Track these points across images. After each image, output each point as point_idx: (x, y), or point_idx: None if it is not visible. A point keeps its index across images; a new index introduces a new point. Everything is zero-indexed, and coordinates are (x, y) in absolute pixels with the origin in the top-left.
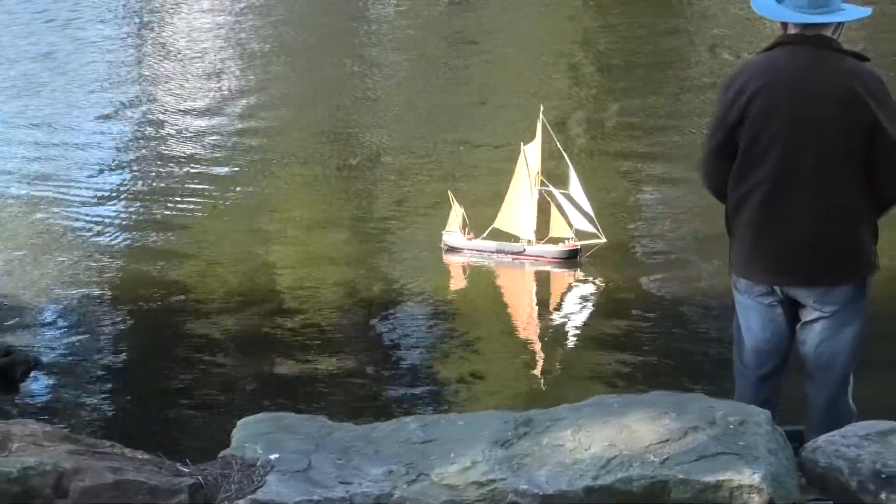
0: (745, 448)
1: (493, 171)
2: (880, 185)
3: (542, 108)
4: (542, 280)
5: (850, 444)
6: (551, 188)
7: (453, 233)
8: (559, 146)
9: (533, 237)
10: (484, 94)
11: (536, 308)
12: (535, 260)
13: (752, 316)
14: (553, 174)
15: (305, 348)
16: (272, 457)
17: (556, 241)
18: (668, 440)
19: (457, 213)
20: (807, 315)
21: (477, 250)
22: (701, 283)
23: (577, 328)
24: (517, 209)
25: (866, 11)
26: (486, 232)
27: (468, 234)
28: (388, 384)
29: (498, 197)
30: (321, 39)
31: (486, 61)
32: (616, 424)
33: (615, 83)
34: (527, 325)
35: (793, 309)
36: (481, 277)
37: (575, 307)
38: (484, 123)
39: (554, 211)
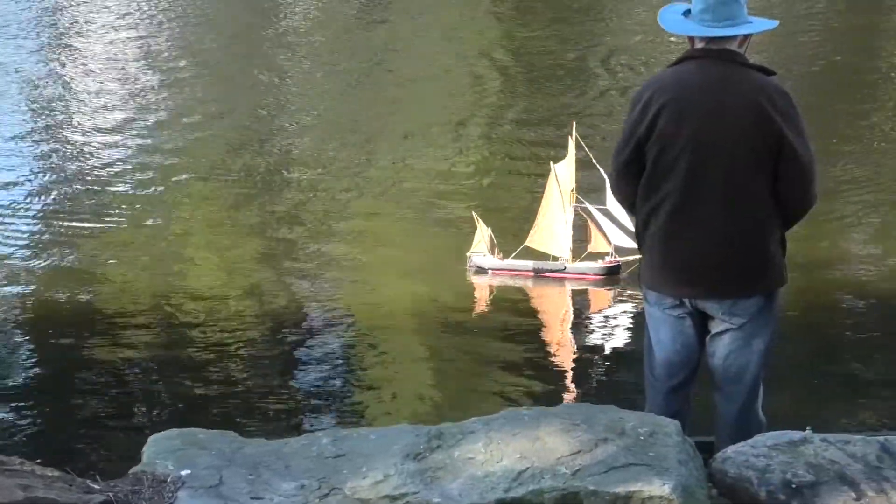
0: (655, 459)
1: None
2: (787, 199)
3: (574, 124)
4: (464, 295)
5: (759, 455)
6: (587, 204)
7: (481, 253)
8: (593, 160)
9: (570, 255)
10: (397, 109)
11: (450, 323)
12: (578, 278)
13: (662, 328)
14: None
15: (216, 365)
16: (183, 473)
17: (595, 257)
18: (579, 452)
19: (483, 233)
20: (716, 327)
21: (512, 270)
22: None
23: (491, 341)
24: (552, 227)
25: (773, 24)
26: (517, 251)
27: (498, 254)
28: (299, 400)
29: (417, 208)
30: (234, 53)
31: (398, 75)
32: (527, 437)
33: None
34: (439, 339)
35: (702, 321)
36: (402, 294)
37: (491, 321)
38: (398, 138)
39: (591, 227)
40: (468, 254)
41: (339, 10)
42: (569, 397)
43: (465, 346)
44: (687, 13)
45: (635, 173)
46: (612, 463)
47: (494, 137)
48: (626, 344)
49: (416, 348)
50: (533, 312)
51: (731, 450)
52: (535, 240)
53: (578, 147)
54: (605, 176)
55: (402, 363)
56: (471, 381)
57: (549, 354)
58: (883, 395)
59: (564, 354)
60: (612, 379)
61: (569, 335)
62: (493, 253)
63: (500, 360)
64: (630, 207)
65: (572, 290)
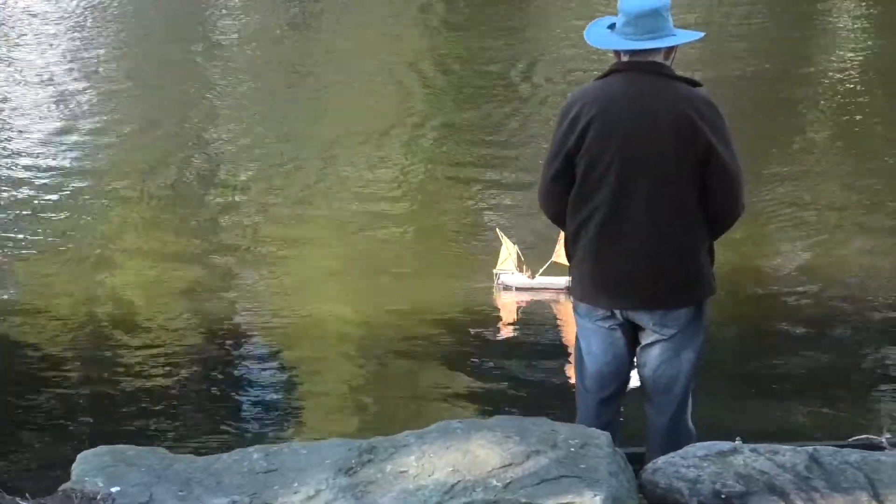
0: (586, 471)
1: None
2: (715, 209)
3: None
4: (396, 307)
5: (689, 465)
6: None
7: (508, 271)
8: None
9: None
10: (326, 121)
11: (383, 337)
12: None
13: (593, 340)
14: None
15: (145, 381)
16: (113, 490)
17: None
18: (510, 464)
19: (510, 250)
20: (646, 338)
21: (543, 288)
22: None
23: (425, 354)
24: None
25: (697, 35)
26: (544, 267)
27: (526, 271)
28: (230, 415)
29: (350, 218)
30: (164, 63)
31: (327, 86)
32: (460, 450)
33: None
34: (372, 353)
35: (633, 332)
36: (335, 307)
37: (425, 333)
38: (325, 149)
39: None
40: (495, 271)
41: (269, 21)
42: (501, 409)
43: (399, 360)
44: (612, 27)
45: (564, 186)
46: (544, 475)
47: (424, 148)
48: (560, 356)
49: (349, 362)
50: (469, 324)
51: (661, 460)
52: (562, 254)
53: None
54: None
55: (335, 377)
56: (404, 395)
57: (483, 366)
58: (812, 406)
59: (498, 367)
60: (544, 391)
61: (502, 347)
62: (521, 270)
63: (434, 372)
64: (558, 220)
65: (515, 301)
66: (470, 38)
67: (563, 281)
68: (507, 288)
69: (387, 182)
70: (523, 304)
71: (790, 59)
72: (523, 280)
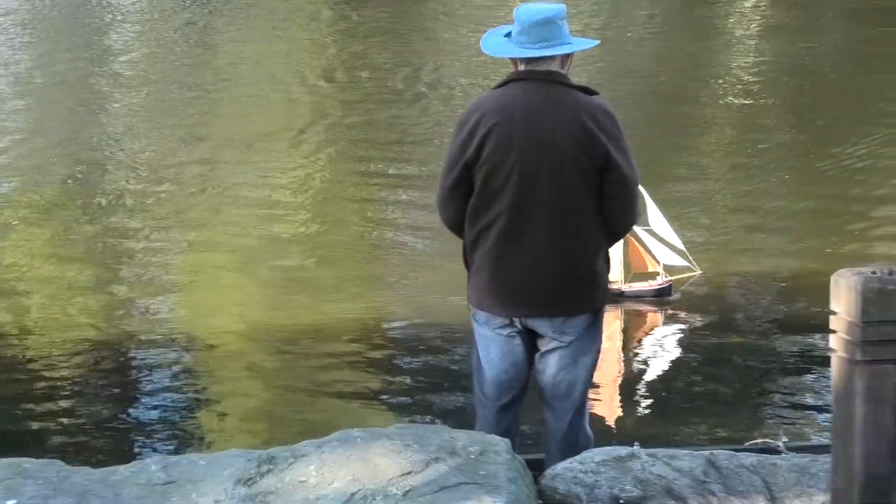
0: (485, 477)
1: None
2: (612, 217)
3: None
4: (300, 318)
5: (587, 471)
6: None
7: None
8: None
9: (622, 277)
10: (217, 129)
11: (284, 347)
12: (637, 298)
13: (492, 347)
14: None
15: (41, 392)
16: (9, 502)
17: (645, 278)
18: (410, 472)
19: None
20: (545, 345)
21: None
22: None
23: (325, 364)
24: None
25: (593, 43)
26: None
27: None
28: (128, 427)
29: (241, 232)
30: (61, 79)
31: (218, 95)
32: (359, 458)
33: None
34: (273, 363)
35: (531, 339)
36: (236, 317)
37: (326, 344)
38: (216, 157)
39: (638, 248)
40: None
41: (161, 29)
42: (401, 418)
43: (298, 371)
44: (510, 35)
45: (463, 195)
46: (444, 483)
47: (317, 154)
48: (459, 364)
49: (249, 374)
50: (369, 335)
51: (560, 466)
52: None
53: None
54: (644, 193)
55: (235, 390)
56: (304, 405)
57: (383, 376)
58: (710, 411)
59: (399, 376)
60: (444, 399)
61: (402, 356)
62: None
63: (335, 383)
64: (456, 229)
65: (414, 311)
66: (359, 45)
67: None
68: None
69: (282, 191)
70: (424, 314)
71: (687, 66)
72: None
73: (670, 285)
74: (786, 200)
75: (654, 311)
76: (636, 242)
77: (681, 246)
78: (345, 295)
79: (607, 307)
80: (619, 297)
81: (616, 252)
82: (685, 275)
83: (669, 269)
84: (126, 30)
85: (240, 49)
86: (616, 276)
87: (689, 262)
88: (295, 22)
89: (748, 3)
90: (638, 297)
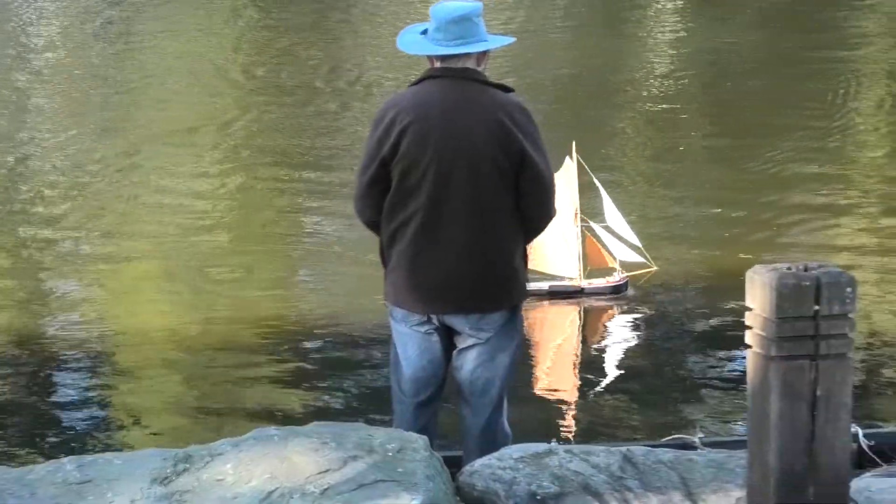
0: (403, 475)
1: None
2: (529, 213)
3: (574, 144)
4: (218, 314)
5: (505, 467)
6: (591, 223)
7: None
8: (594, 179)
9: (581, 274)
10: (137, 126)
11: (202, 344)
12: (597, 295)
13: (409, 344)
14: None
15: None
16: None
17: (602, 274)
18: (328, 470)
19: None
20: (462, 342)
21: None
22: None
23: (242, 361)
24: (556, 247)
25: (509, 40)
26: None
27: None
28: (43, 425)
29: (162, 229)
30: None
31: (139, 91)
32: (276, 456)
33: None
34: (190, 361)
35: (449, 336)
36: (154, 315)
37: (242, 339)
38: (136, 153)
39: (595, 244)
40: None
41: (78, 27)
42: (319, 416)
43: (217, 369)
44: (426, 33)
45: (379, 193)
46: (361, 480)
47: (237, 152)
48: (378, 361)
49: (167, 372)
50: (287, 332)
51: (478, 463)
52: (537, 262)
53: (579, 166)
54: (602, 190)
55: (152, 388)
56: (221, 404)
57: (301, 373)
58: (627, 407)
59: (316, 373)
60: (362, 396)
61: (320, 354)
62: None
63: (253, 381)
64: (373, 226)
65: (332, 307)
66: (281, 42)
67: (545, 285)
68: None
69: (201, 190)
70: (342, 312)
71: (604, 63)
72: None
73: (626, 282)
74: (700, 204)
75: (590, 309)
76: (594, 239)
77: (637, 242)
78: (262, 293)
79: (559, 303)
80: (577, 294)
81: (574, 249)
82: (641, 271)
83: (625, 266)
84: (49, 28)
85: (162, 46)
86: (574, 273)
87: (646, 258)
88: (218, 19)
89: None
90: (596, 294)
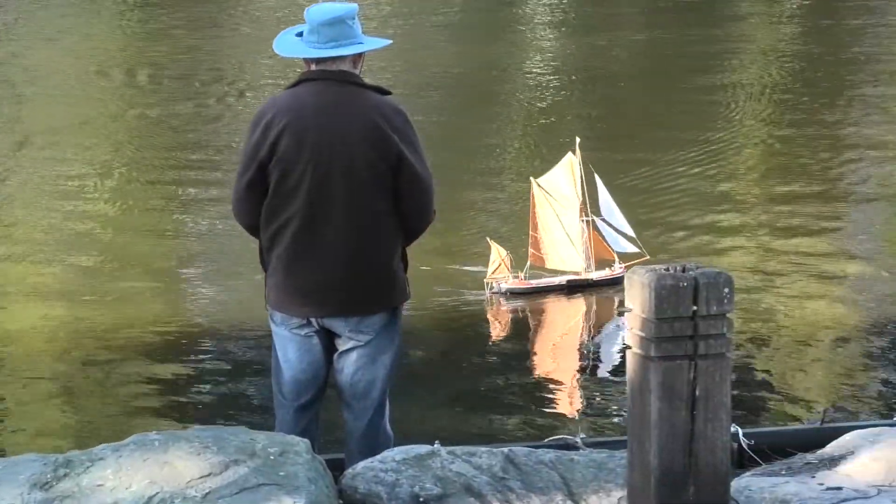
0: (285, 478)
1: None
2: (408, 216)
3: (577, 140)
4: (99, 316)
5: (388, 470)
6: (592, 217)
7: (502, 277)
8: (594, 173)
9: (591, 265)
10: (19, 126)
11: (79, 349)
12: (608, 285)
13: (290, 347)
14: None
15: None
16: None
17: (602, 266)
18: (209, 474)
19: (501, 256)
20: (343, 344)
21: (545, 288)
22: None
23: (122, 365)
24: (564, 242)
25: (385, 42)
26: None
27: (518, 275)
28: None
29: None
30: None
31: (20, 93)
32: (157, 461)
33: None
34: (69, 366)
35: (329, 339)
36: (34, 319)
37: (120, 346)
38: (18, 154)
39: (594, 237)
40: (486, 280)
41: None
42: (200, 420)
43: (97, 373)
44: (302, 35)
45: (258, 195)
46: (243, 484)
47: (120, 153)
48: (258, 365)
49: (47, 378)
50: (168, 337)
51: (360, 466)
52: (549, 259)
53: (568, 162)
54: (599, 182)
55: (30, 393)
56: (102, 408)
57: (181, 378)
58: (511, 409)
59: (198, 378)
60: (243, 400)
61: (200, 358)
62: (514, 275)
63: (134, 386)
64: (252, 229)
65: (210, 312)
66: (165, 43)
67: (563, 279)
68: (507, 294)
69: (85, 188)
70: (223, 316)
71: (483, 64)
72: (523, 284)
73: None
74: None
75: (451, 310)
76: (597, 234)
77: (631, 233)
78: (143, 297)
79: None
80: (589, 286)
81: (579, 244)
82: (637, 261)
83: (622, 257)
84: None
85: (47, 47)
86: (578, 267)
87: (639, 247)
88: (103, 21)
89: (546, 3)
90: (601, 285)
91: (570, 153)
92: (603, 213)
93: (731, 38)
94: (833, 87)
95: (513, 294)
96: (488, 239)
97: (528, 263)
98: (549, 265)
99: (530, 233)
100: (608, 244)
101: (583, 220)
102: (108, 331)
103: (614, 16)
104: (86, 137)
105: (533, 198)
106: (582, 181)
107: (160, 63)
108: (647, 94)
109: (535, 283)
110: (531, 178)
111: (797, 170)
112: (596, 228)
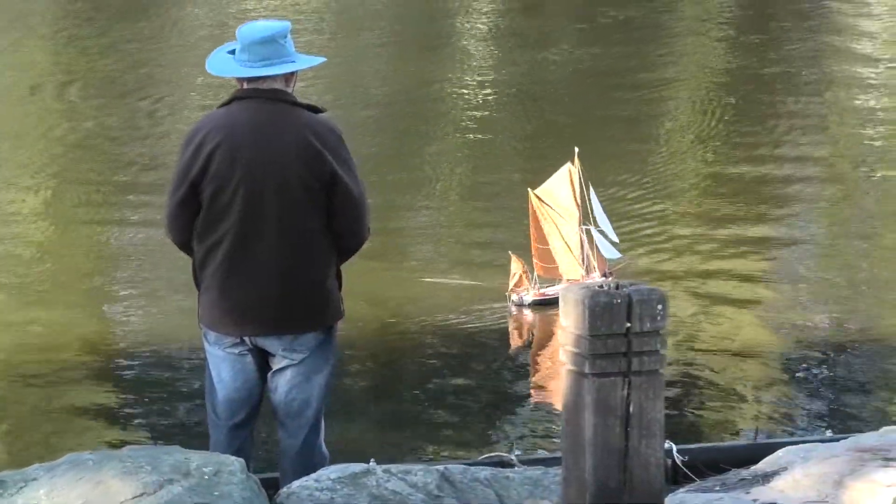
0: (220, 497)
1: None
2: (341, 234)
3: (576, 150)
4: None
5: (323, 488)
6: (590, 227)
7: (524, 289)
8: (585, 182)
9: (582, 275)
10: None
11: (17, 364)
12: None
13: (223, 366)
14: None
15: None
16: None
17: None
18: (143, 494)
19: (522, 269)
20: (277, 363)
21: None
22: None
23: (54, 386)
24: (568, 251)
25: (319, 60)
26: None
27: (535, 286)
28: None
29: None
30: None
31: None
32: (91, 481)
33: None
34: (4, 383)
35: (263, 358)
36: None
37: (52, 362)
38: None
39: (587, 246)
40: (508, 293)
41: None
42: (134, 440)
43: (31, 392)
44: (234, 52)
45: (190, 214)
46: None
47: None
48: (194, 383)
49: None
50: (102, 353)
51: (295, 484)
52: (560, 268)
53: (564, 171)
54: (592, 193)
55: None
56: (35, 427)
57: (116, 397)
58: (446, 427)
59: (132, 398)
60: (177, 419)
61: (134, 376)
62: (533, 287)
63: (67, 404)
64: (185, 247)
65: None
66: (99, 58)
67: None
68: (530, 306)
69: (14, 204)
70: (158, 334)
71: (416, 82)
72: (544, 295)
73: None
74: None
75: (388, 328)
76: (592, 246)
77: (616, 238)
78: (75, 314)
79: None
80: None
81: (578, 253)
82: (619, 266)
83: (612, 265)
84: None
85: None
86: (578, 276)
87: (620, 252)
88: (36, 35)
89: (482, 20)
90: None
91: (568, 163)
92: (599, 223)
93: (668, 55)
94: (765, 103)
95: (536, 305)
96: (510, 252)
97: (535, 275)
98: (559, 274)
99: (534, 245)
100: (602, 253)
101: (581, 230)
102: (40, 351)
103: (552, 32)
104: (12, 154)
105: (533, 209)
106: (583, 190)
107: (91, 79)
108: (582, 110)
109: (552, 292)
110: (529, 190)
111: (730, 188)
112: (591, 238)
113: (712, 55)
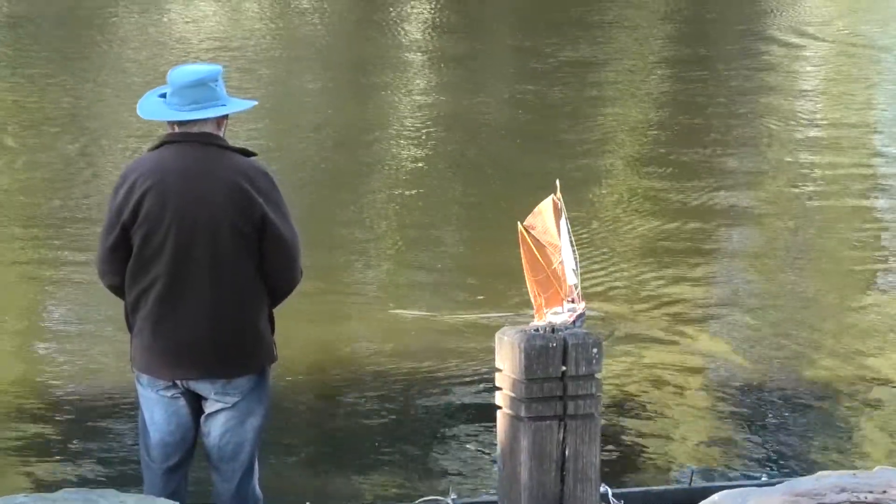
0: None
1: None
2: (273, 277)
3: (558, 183)
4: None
5: None
6: (563, 257)
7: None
8: (563, 212)
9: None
10: None
11: None
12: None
13: (156, 409)
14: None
15: None
16: None
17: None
18: None
19: (536, 299)
20: (210, 407)
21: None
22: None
23: None
24: (557, 280)
25: (249, 104)
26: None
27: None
28: None
29: None
30: None
31: None
32: None
33: None
34: None
35: (196, 401)
36: None
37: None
38: None
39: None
40: (532, 321)
41: None
42: (69, 483)
43: None
44: (165, 96)
45: (122, 258)
46: None
47: None
48: (126, 426)
49: None
50: (39, 396)
51: None
52: (561, 294)
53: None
54: (565, 223)
55: None
56: None
57: (48, 438)
58: (383, 467)
59: (65, 439)
60: (112, 462)
61: (69, 419)
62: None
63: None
64: (117, 291)
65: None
66: (31, 94)
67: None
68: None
69: None
70: (90, 377)
71: (348, 124)
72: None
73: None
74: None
75: (325, 368)
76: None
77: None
78: (8, 354)
79: None
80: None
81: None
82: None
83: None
84: None
85: None
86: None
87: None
88: None
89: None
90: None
91: (552, 195)
92: (565, 254)
93: (605, 89)
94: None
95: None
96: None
97: (543, 304)
98: (559, 301)
99: (529, 277)
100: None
101: (560, 260)
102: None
103: (494, 75)
104: None
105: (524, 241)
106: (566, 221)
107: (20, 117)
108: (525, 146)
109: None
110: (518, 223)
111: (669, 214)
112: (575, 272)
113: (654, 82)
